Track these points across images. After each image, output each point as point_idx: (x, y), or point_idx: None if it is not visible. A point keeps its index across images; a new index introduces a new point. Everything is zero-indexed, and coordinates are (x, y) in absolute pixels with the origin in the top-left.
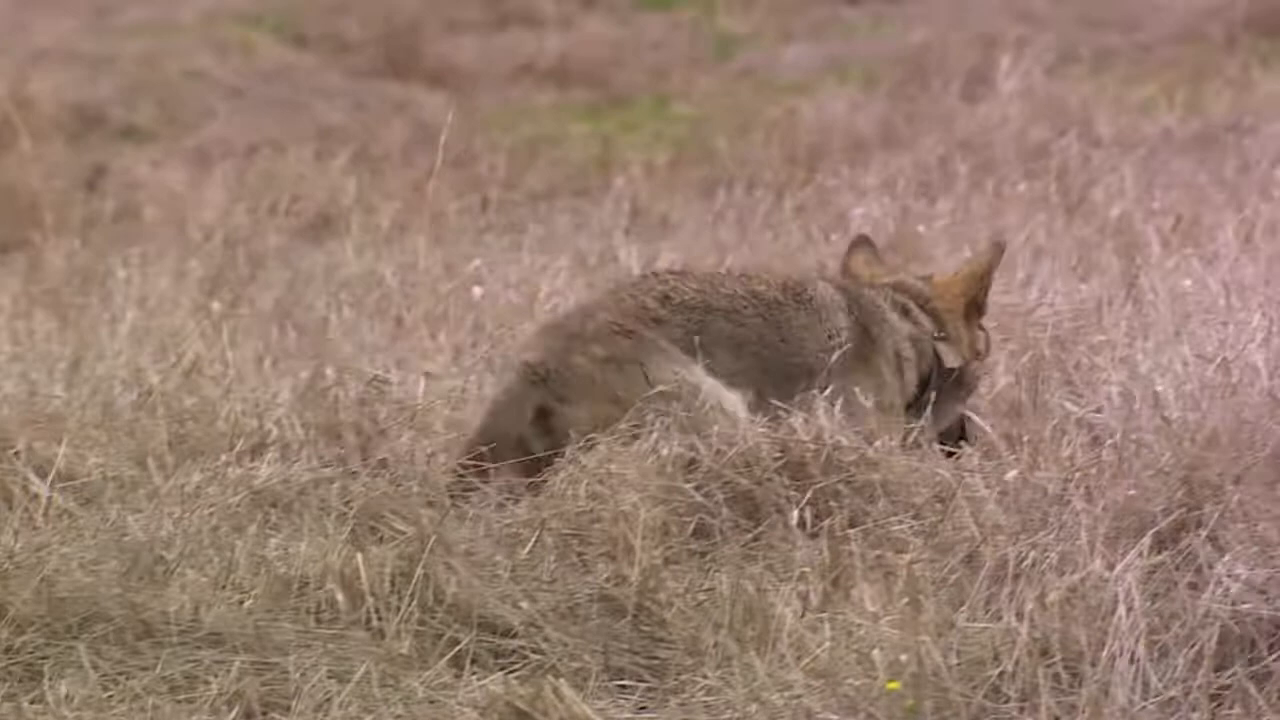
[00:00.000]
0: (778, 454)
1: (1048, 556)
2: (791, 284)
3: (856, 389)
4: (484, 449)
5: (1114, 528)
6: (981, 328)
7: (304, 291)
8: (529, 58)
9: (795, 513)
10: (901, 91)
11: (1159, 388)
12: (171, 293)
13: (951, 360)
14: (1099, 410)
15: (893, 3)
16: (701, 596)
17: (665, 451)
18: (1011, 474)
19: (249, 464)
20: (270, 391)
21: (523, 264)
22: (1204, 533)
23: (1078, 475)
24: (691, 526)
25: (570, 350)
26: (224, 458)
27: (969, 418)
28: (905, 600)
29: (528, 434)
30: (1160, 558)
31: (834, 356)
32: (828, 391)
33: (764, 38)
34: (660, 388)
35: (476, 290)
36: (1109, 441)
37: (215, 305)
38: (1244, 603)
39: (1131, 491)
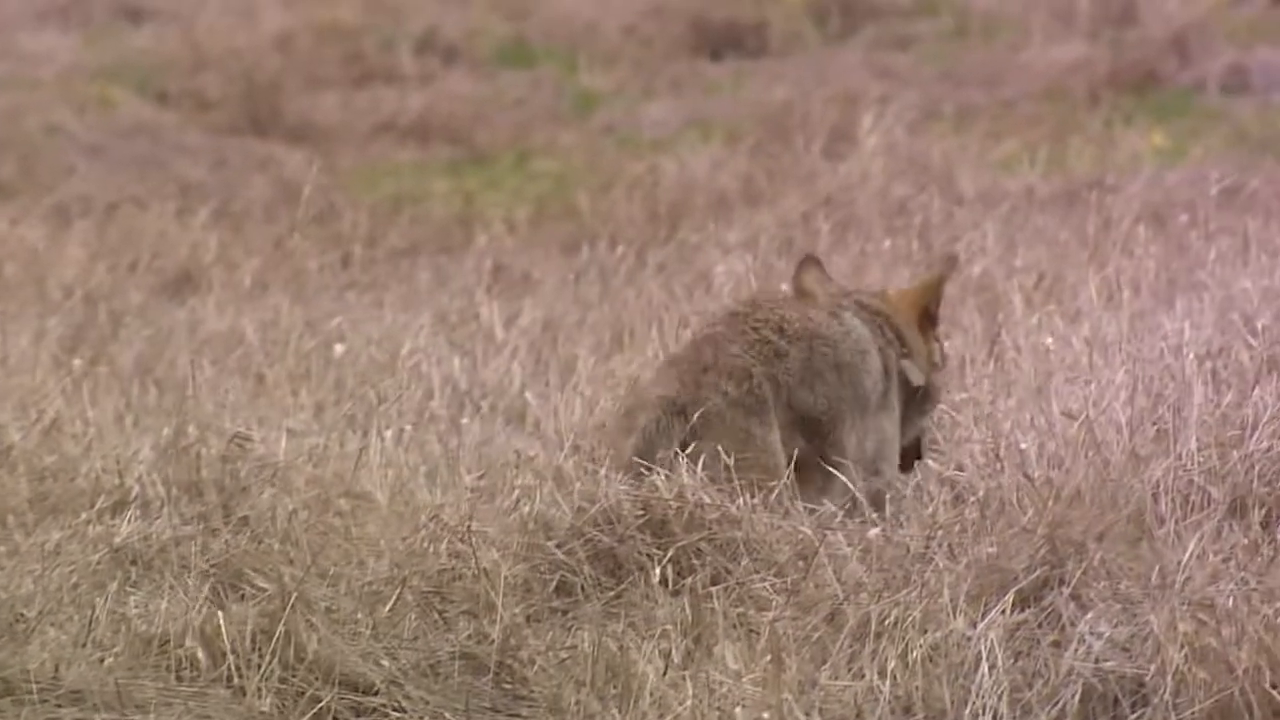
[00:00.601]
0: (640, 512)
1: (910, 614)
2: (833, 313)
3: (884, 418)
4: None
5: (977, 585)
6: (936, 339)
7: (165, 349)
8: (390, 115)
9: (657, 570)
10: (764, 148)
11: (1022, 445)
12: (31, 350)
13: (916, 378)
14: (961, 468)
15: (754, 59)
16: (563, 654)
17: (526, 510)
18: (874, 532)
19: (110, 521)
20: (131, 449)
21: (384, 321)
22: (1066, 590)
23: (940, 533)
24: (553, 584)
25: (702, 385)
26: (84, 515)
27: (924, 430)
28: (768, 658)
29: (672, 460)
30: (1023, 615)
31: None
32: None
33: (625, 95)
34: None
35: (338, 348)
36: (972, 499)
37: (76, 363)
38: (1107, 660)
39: (994, 549)
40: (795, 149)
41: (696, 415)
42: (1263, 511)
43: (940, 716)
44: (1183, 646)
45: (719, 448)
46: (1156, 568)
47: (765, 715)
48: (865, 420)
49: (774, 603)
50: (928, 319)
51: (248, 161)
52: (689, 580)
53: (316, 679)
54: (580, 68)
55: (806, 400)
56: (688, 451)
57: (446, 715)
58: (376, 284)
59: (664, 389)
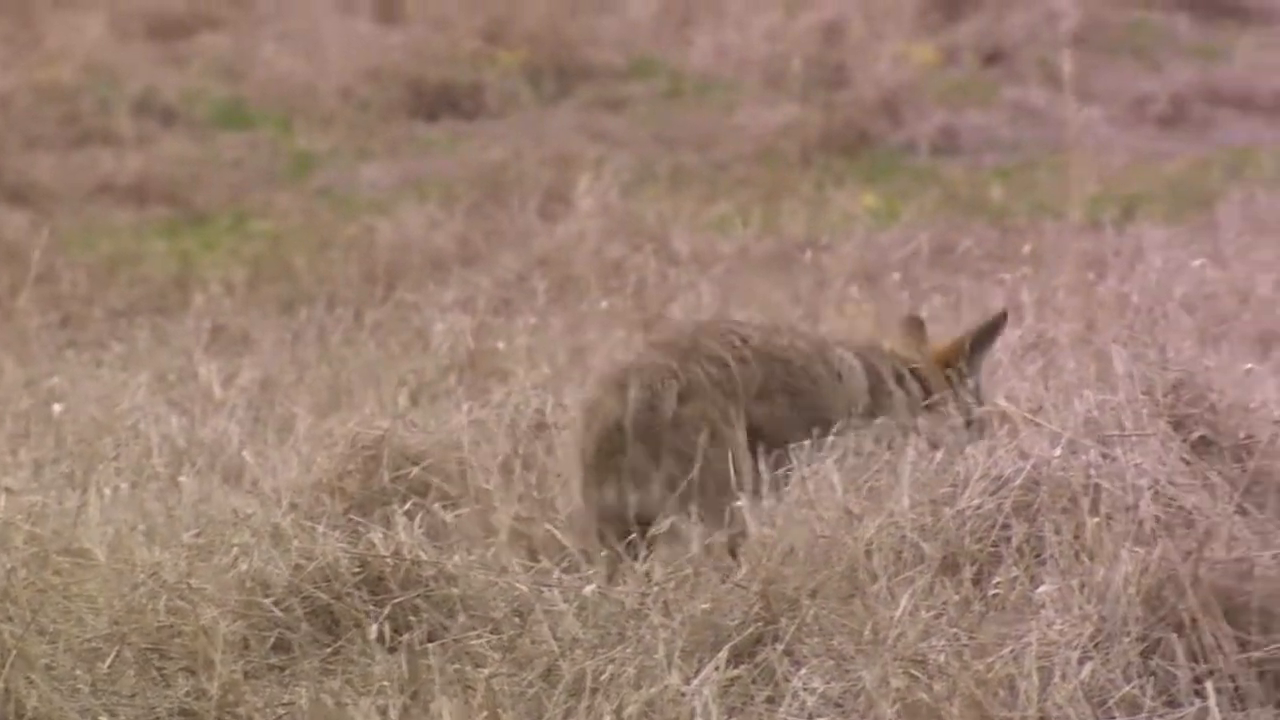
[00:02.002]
0: (357, 569)
1: (625, 670)
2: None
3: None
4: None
5: (691, 641)
6: (972, 393)
7: None
8: (108, 175)
9: (374, 627)
10: (480, 209)
11: (735, 502)
12: None
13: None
14: (678, 524)
15: (470, 121)
16: (281, 710)
17: (244, 567)
18: (589, 588)
19: None
20: None
21: (103, 380)
22: (780, 646)
23: (656, 589)
24: (271, 641)
25: (688, 360)
26: None
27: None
28: (484, 714)
29: (664, 426)
30: (737, 671)
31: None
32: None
33: (342, 156)
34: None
35: (57, 407)
36: (686, 556)
37: None
38: (820, 716)
39: (709, 605)
40: (511, 210)
41: (685, 381)
42: (974, 568)
43: None
44: (895, 702)
45: (704, 411)
46: (869, 624)
47: None
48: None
49: (490, 659)
50: (958, 375)
51: None
52: (406, 637)
53: None
54: (297, 129)
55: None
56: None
57: None
58: (95, 343)
59: (652, 360)
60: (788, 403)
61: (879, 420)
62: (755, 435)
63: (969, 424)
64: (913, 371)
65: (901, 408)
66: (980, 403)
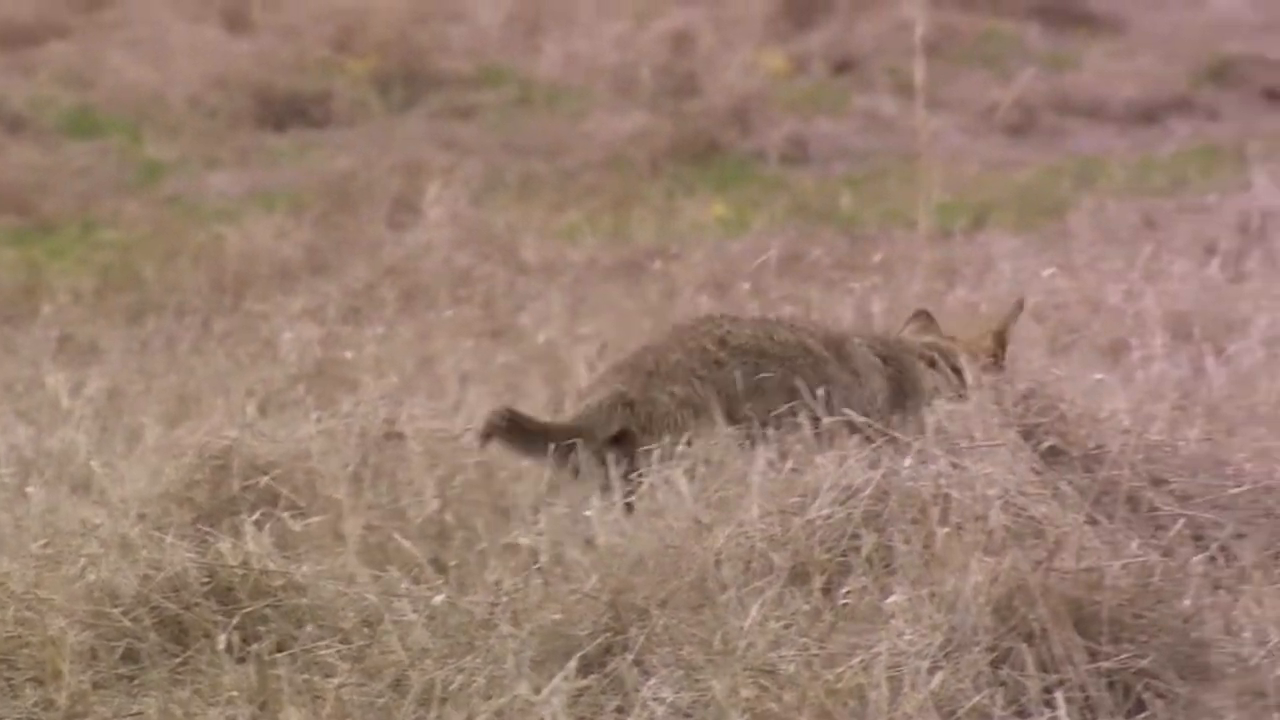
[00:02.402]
0: (205, 579)
1: (475, 680)
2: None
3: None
4: (563, 440)
5: (541, 651)
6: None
7: None
8: None
9: (223, 637)
10: (328, 218)
11: (586, 512)
12: None
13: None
14: (525, 534)
15: (319, 129)
16: None
17: (93, 577)
18: (439, 598)
19: None
20: None
21: None
22: (630, 656)
23: (505, 599)
24: (120, 651)
25: (651, 387)
26: None
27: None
28: None
29: (603, 447)
30: (587, 681)
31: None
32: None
33: (191, 165)
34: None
35: None
36: (535, 565)
37: None
38: None
39: (558, 615)
40: (360, 219)
41: (644, 413)
42: (824, 578)
43: None
44: (745, 712)
45: (666, 441)
46: (719, 634)
47: None
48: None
49: (339, 669)
50: (994, 362)
51: None
52: (255, 647)
53: None
54: (145, 138)
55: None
56: (630, 448)
57: None
58: None
59: (613, 385)
60: (785, 398)
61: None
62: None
63: None
64: (947, 360)
65: (932, 397)
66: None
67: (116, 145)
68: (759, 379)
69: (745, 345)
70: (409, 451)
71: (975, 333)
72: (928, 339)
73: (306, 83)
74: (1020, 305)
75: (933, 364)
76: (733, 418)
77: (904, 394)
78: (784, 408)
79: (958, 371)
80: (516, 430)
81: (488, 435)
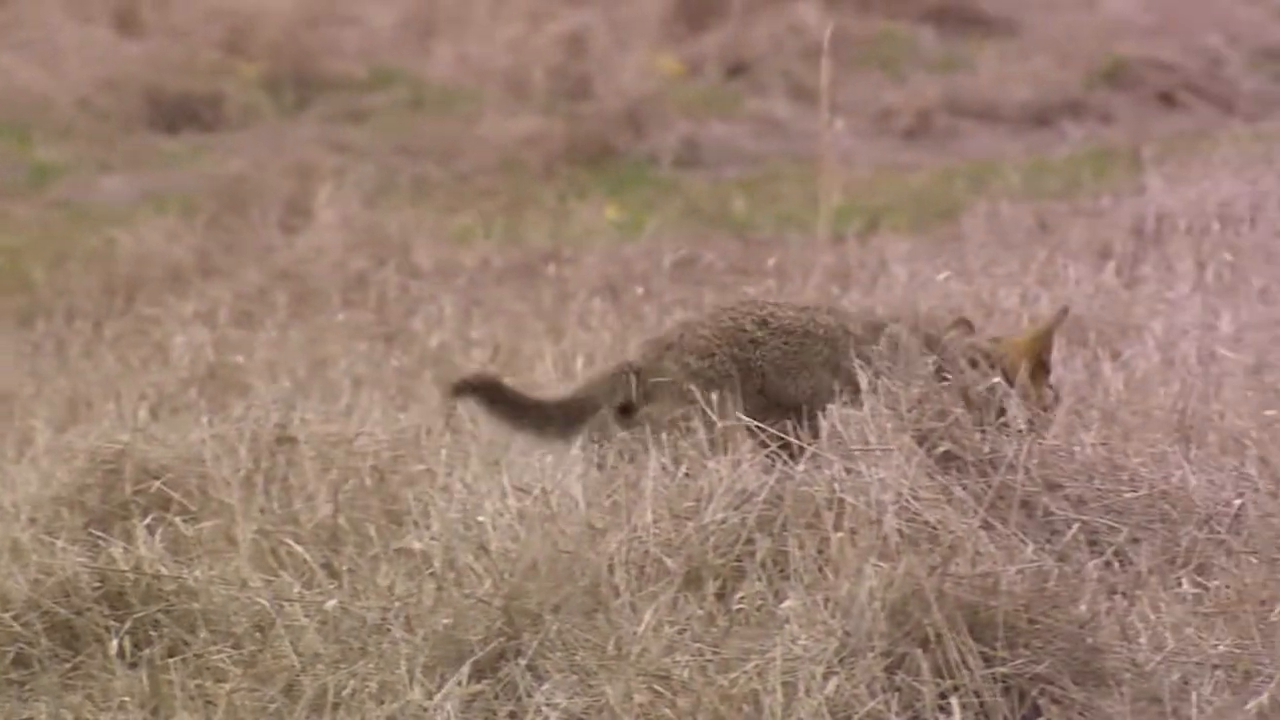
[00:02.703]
0: (97, 583)
1: (367, 685)
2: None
3: None
4: (567, 411)
5: (434, 657)
6: (1049, 385)
7: None
8: None
9: (115, 642)
10: (220, 221)
11: (479, 518)
12: None
13: (1021, 419)
14: (418, 539)
15: (210, 133)
16: None
17: None
18: (331, 603)
19: None
20: None
21: None
22: (523, 661)
23: (398, 604)
24: (10, 656)
25: (663, 357)
26: None
27: None
28: None
29: (610, 417)
30: (480, 686)
31: None
32: None
33: (81, 167)
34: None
35: None
36: (428, 571)
37: None
38: None
39: (451, 620)
40: (252, 222)
41: (649, 382)
42: (718, 583)
43: None
44: (639, 718)
45: (664, 409)
46: (613, 639)
47: None
48: None
49: (231, 674)
50: (1039, 366)
51: None
52: (147, 652)
53: None
54: (35, 140)
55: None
56: (632, 413)
57: None
58: None
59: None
60: (829, 377)
61: None
62: (790, 408)
63: (1047, 410)
64: (991, 361)
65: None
66: (1057, 396)
67: (6, 148)
68: (802, 358)
69: (788, 325)
70: (301, 456)
71: (1021, 338)
72: (972, 339)
73: (198, 85)
74: (1065, 311)
75: (974, 364)
76: (766, 395)
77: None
78: (828, 388)
79: (1006, 376)
80: (499, 399)
81: (460, 391)
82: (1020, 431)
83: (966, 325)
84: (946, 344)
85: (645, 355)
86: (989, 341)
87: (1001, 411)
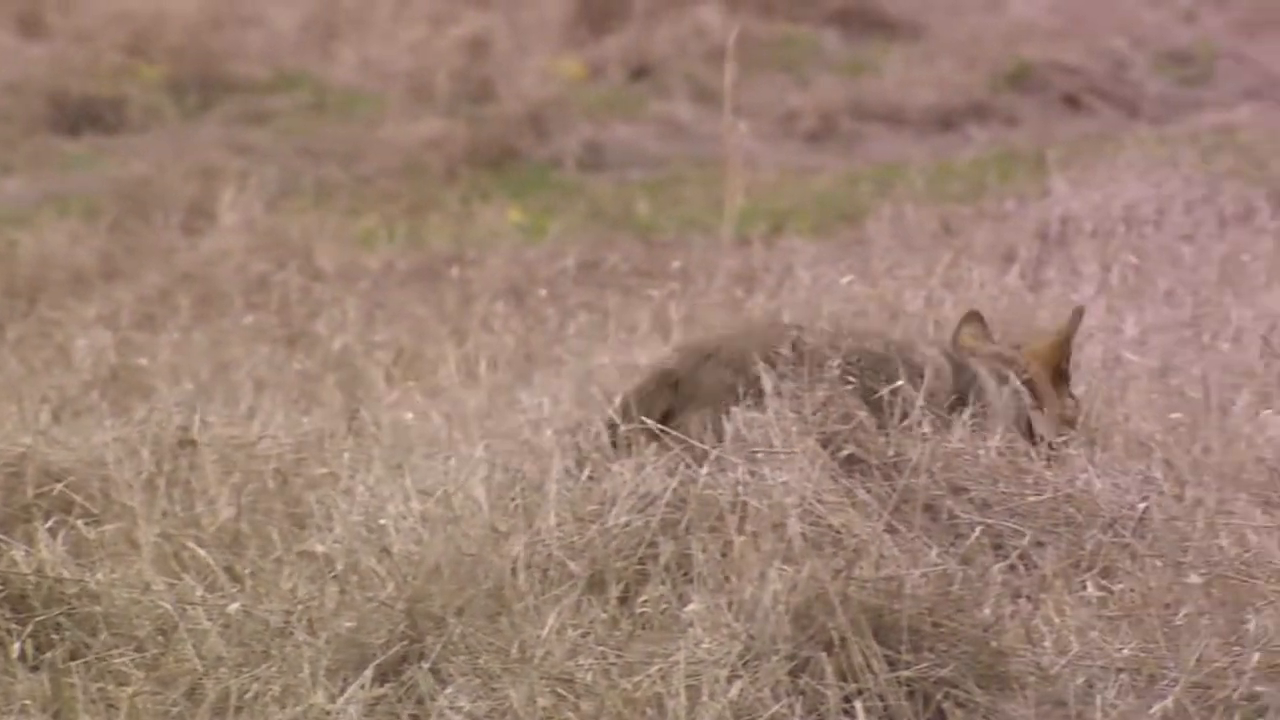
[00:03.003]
0: None
1: (270, 689)
2: (899, 345)
3: None
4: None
5: (336, 660)
6: (1071, 395)
7: None
8: None
9: (16, 645)
10: (122, 224)
11: (382, 520)
12: None
13: (1050, 434)
14: (321, 542)
15: (112, 135)
16: None
17: None
18: (234, 606)
19: None
20: None
21: None
22: (427, 665)
23: (301, 608)
24: None
25: (700, 366)
26: None
27: None
28: None
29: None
30: (383, 690)
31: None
32: None
33: None
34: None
35: None
36: (331, 574)
37: None
38: None
39: (353, 623)
40: (154, 225)
41: (687, 392)
42: (621, 586)
43: None
44: None
45: (702, 415)
46: (516, 642)
47: None
48: None
49: (133, 677)
50: (1059, 375)
51: None
52: (49, 655)
53: None
54: None
55: None
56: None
57: None
58: None
59: (668, 363)
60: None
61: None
62: None
63: (1072, 424)
64: (1017, 373)
65: (1002, 411)
66: (1078, 405)
67: None
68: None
69: (813, 352)
70: (204, 459)
71: (1038, 343)
72: (992, 349)
73: (100, 88)
74: (1080, 313)
75: (1004, 380)
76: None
77: (966, 404)
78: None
79: (1030, 385)
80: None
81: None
82: (1051, 447)
83: (978, 320)
84: (973, 354)
85: (683, 363)
86: (1011, 349)
87: (1030, 429)
